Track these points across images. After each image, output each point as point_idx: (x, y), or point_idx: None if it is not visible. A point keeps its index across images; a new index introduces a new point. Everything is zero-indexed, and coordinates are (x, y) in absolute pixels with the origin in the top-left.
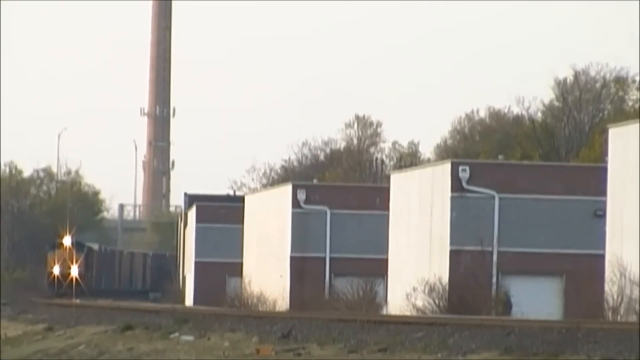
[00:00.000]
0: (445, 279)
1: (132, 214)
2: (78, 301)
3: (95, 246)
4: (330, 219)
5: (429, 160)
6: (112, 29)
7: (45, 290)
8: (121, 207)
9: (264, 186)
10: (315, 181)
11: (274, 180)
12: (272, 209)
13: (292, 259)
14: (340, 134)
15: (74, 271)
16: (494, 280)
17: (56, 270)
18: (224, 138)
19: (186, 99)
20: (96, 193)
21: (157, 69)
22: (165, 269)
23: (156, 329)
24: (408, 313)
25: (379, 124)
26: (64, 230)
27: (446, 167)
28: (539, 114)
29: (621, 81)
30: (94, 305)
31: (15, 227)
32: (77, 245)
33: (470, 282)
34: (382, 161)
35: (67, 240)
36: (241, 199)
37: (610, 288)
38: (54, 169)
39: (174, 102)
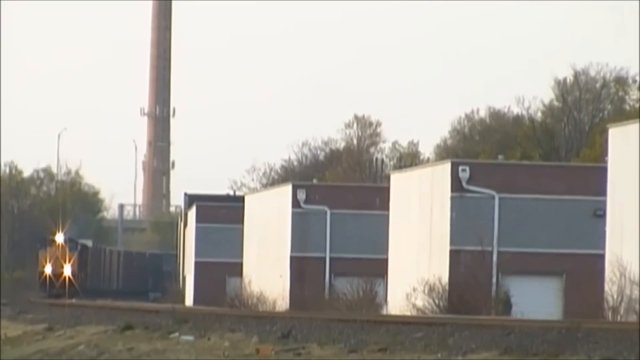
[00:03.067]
0: (445, 278)
1: (132, 213)
2: (74, 300)
3: (89, 243)
4: (330, 218)
5: (428, 160)
6: (112, 28)
7: (37, 290)
8: (121, 207)
9: (264, 186)
10: (315, 181)
11: (274, 180)
12: (272, 209)
13: (292, 259)
14: (340, 134)
15: (67, 270)
16: (494, 280)
17: (48, 269)
18: (224, 138)
19: (186, 98)
20: (96, 193)
21: (157, 69)
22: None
23: (156, 328)
24: (408, 313)
25: (378, 124)
26: (56, 227)
27: (446, 167)
28: (539, 114)
29: (621, 81)
30: (94, 305)
31: (15, 226)
32: (70, 242)
33: (470, 282)
34: (382, 161)
35: (59, 238)
36: (241, 199)
37: (610, 288)
38: (54, 169)
39: (174, 102)
